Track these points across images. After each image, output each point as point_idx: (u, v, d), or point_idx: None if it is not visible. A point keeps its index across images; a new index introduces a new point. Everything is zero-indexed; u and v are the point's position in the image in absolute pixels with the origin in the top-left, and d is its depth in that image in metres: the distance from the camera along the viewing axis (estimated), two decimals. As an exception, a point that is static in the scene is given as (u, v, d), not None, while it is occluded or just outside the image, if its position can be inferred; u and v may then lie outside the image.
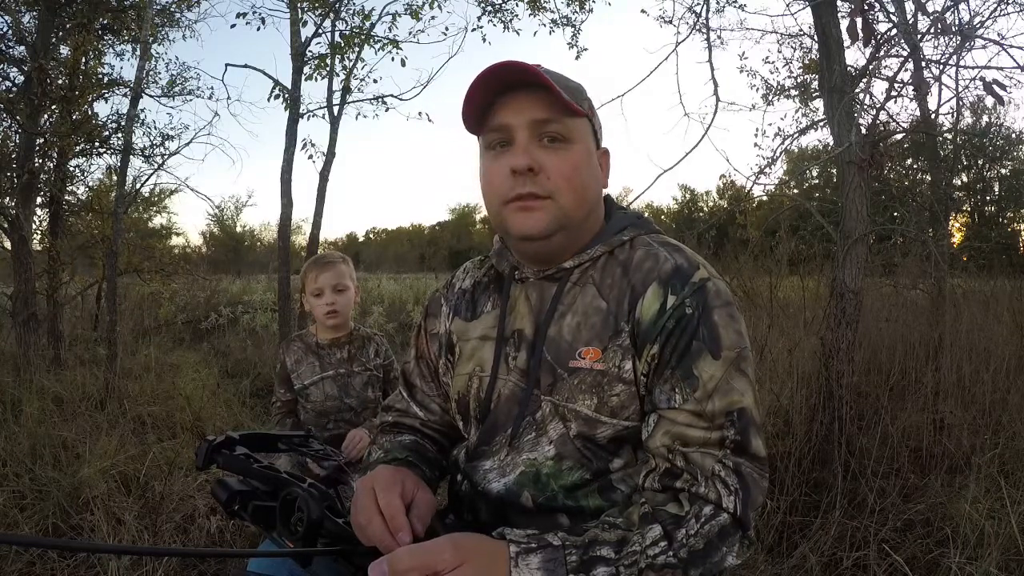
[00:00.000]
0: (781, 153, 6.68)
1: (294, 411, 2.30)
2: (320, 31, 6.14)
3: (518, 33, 6.74)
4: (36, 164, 6.50)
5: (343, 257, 2.33)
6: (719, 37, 6.37)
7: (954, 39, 4.11)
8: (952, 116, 5.61)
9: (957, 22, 3.62)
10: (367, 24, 6.36)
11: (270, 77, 5.98)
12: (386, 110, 6.61)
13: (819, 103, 6.53)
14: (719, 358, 0.89)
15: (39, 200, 6.87)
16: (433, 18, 6.42)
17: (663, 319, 0.90)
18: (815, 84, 6.87)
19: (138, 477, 3.01)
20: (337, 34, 6.29)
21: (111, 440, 3.28)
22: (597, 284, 0.97)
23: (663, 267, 0.94)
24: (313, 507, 0.82)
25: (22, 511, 2.73)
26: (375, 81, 8.76)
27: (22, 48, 6.67)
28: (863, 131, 3.72)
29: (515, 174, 0.93)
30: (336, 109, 6.31)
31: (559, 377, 0.95)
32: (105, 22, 7.35)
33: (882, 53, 4.73)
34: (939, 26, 3.79)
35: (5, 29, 6.60)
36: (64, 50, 7.01)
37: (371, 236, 66.44)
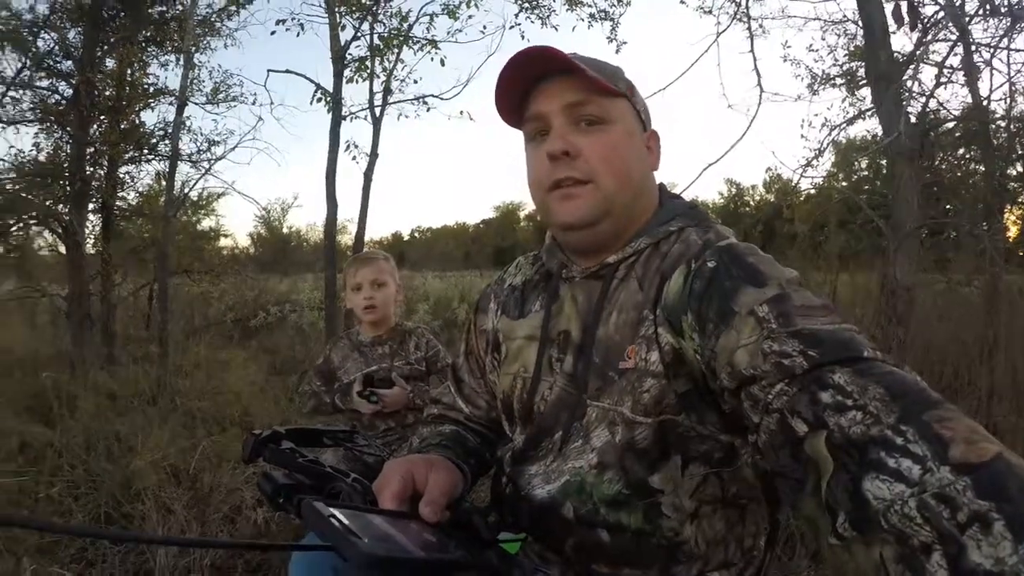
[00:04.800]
0: (828, 144, 6.60)
1: (322, 407, 2.31)
2: (359, 34, 6.23)
3: (556, 29, 6.68)
4: (87, 172, 6.76)
5: (384, 255, 2.34)
6: (760, 26, 6.29)
7: (1004, 21, 3.97)
8: (1005, 102, 5.41)
9: (1007, 3, 3.51)
10: (405, 26, 6.42)
11: (312, 81, 6.11)
12: (427, 110, 6.66)
13: (866, 91, 6.38)
14: (765, 285, 0.75)
15: (91, 206, 7.12)
16: (470, 17, 6.44)
17: (688, 285, 0.82)
18: (861, 72, 6.72)
19: (187, 469, 3.07)
20: (376, 36, 6.38)
21: (162, 434, 3.37)
22: (639, 278, 0.91)
23: (691, 249, 0.88)
24: (356, 501, 0.81)
25: (76, 500, 2.83)
26: (415, 82, 8.84)
27: (69, 62, 6.92)
28: (912, 120, 3.63)
29: (553, 160, 0.90)
30: (378, 110, 6.41)
31: (609, 380, 0.89)
32: (148, 34, 7.57)
33: (929, 37, 4.59)
34: (988, 7, 3.67)
35: (52, 45, 6.86)
36: (110, 63, 7.25)
37: (416, 235, 66.70)
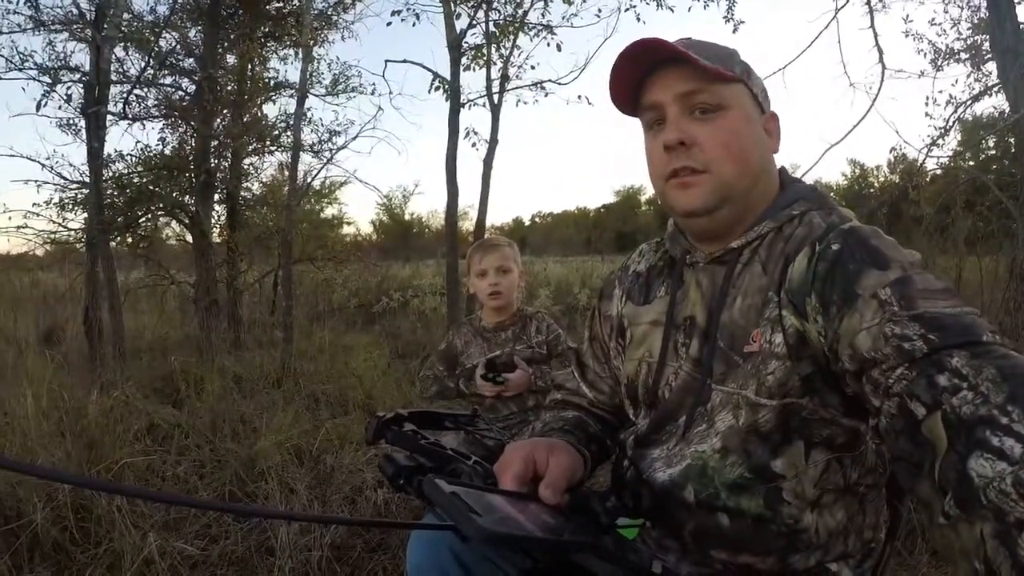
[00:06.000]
0: (954, 122, 6.37)
1: (445, 391, 2.36)
2: (474, 22, 6.24)
3: (672, 10, 6.49)
4: (212, 164, 7.07)
5: (508, 241, 2.38)
6: (880, 0, 5.98)
7: None
8: None
9: None
10: (519, 12, 6.40)
11: (429, 70, 6.15)
12: (545, 95, 6.65)
13: (992, 66, 6.03)
14: (888, 267, 0.75)
15: (216, 197, 7.47)
16: (584, 0, 6.37)
17: (811, 267, 0.83)
18: (987, 45, 6.28)
19: (310, 450, 3.13)
20: (491, 24, 6.38)
21: (286, 416, 3.43)
22: (763, 262, 0.92)
23: (815, 231, 0.88)
24: (477, 483, 0.82)
25: (201, 479, 2.93)
26: (532, 67, 8.85)
27: (191, 60, 7.25)
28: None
29: (669, 150, 0.91)
30: (496, 97, 6.41)
31: (733, 364, 0.90)
32: (266, 30, 7.84)
33: (1058, 5, 4.06)
34: None
35: (174, 44, 7.20)
36: (230, 59, 7.55)
37: (537, 220, 65.77)
